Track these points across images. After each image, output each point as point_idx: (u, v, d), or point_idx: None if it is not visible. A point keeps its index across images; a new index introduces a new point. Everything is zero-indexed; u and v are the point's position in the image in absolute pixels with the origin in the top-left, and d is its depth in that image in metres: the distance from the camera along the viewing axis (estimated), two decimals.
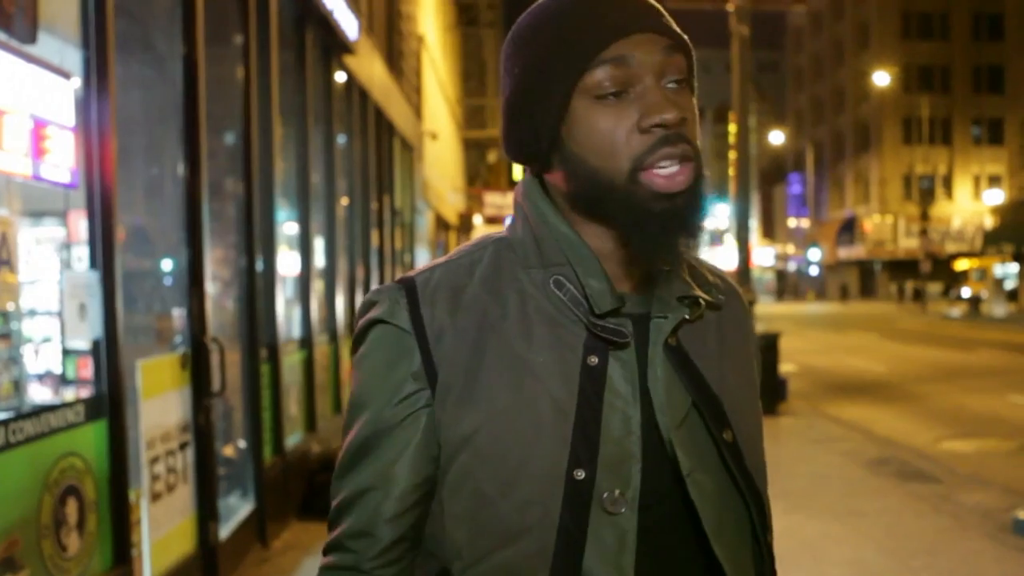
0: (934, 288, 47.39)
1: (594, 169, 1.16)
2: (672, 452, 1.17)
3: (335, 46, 9.02)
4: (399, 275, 1.26)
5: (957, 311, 39.90)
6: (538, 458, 1.14)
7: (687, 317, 1.23)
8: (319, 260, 8.63)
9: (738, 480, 1.22)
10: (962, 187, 61.38)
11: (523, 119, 1.21)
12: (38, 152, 3.36)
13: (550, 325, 1.19)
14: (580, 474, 1.14)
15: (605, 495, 1.14)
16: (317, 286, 8.35)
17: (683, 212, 1.15)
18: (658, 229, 1.15)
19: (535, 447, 1.15)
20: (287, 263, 7.35)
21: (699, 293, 1.25)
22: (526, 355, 1.17)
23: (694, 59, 1.23)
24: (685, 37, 1.21)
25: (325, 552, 1.25)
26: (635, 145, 1.14)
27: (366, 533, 1.20)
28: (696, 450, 1.19)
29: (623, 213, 1.16)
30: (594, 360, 1.17)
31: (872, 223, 61.45)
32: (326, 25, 8.37)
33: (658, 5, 1.20)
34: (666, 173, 1.14)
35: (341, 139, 9.77)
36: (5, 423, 3.13)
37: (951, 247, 58.04)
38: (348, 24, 8.83)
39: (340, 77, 9.70)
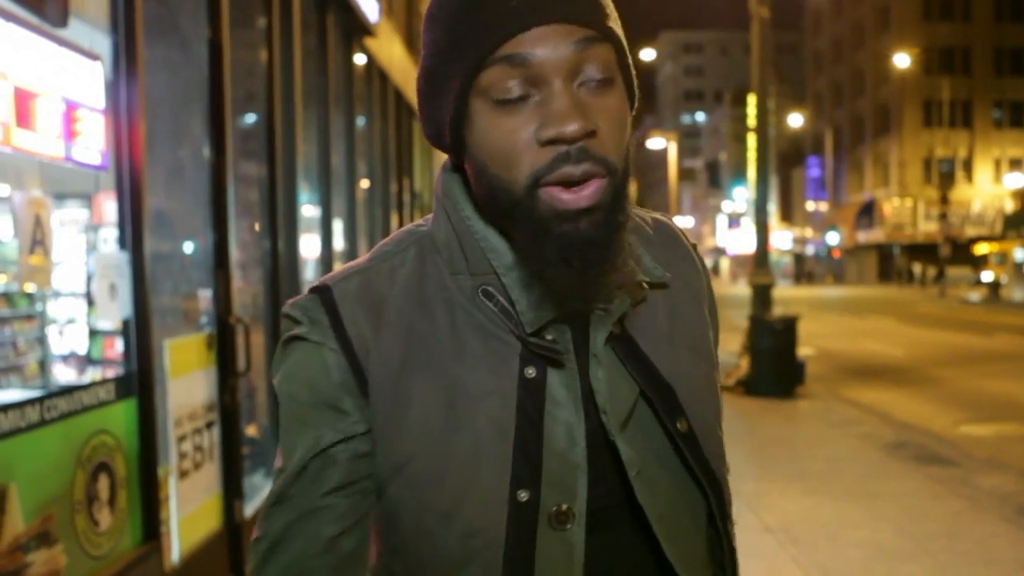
0: (930, 272, 48.58)
1: (494, 176, 1.02)
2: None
3: (356, 29, 9.05)
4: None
5: (976, 295, 39.68)
6: (478, 483, 1.05)
7: (630, 304, 1.12)
8: (339, 242, 8.69)
9: (695, 470, 1.13)
10: (982, 170, 60.94)
11: (426, 108, 1.10)
12: (70, 134, 3.42)
13: (483, 337, 1.08)
14: (524, 495, 1.05)
15: (552, 510, 1.06)
16: (338, 268, 8.41)
17: (588, 237, 1.00)
18: (556, 255, 1.00)
19: (474, 472, 1.06)
20: (309, 245, 7.41)
21: (641, 277, 1.13)
22: (458, 372, 1.07)
23: (625, 48, 1.05)
24: (611, 25, 1.02)
25: None
26: (533, 159, 0.99)
27: (305, 570, 1.09)
28: (646, 446, 1.11)
29: (524, 229, 1.02)
30: (531, 372, 1.07)
31: (891, 207, 61.12)
32: (347, 8, 8.40)
33: None
34: (568, 190, 0.99)
35: (361, 121, 9.81)
36: (40, 400, 3.20)
37: (971, 231, 57.72)
38: (369, 6, 8.86)
39: (360, 60, 9.73)
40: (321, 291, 1.11)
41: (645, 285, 1.14)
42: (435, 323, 1.09)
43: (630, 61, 1.07)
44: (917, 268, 54.63)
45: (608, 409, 1.08)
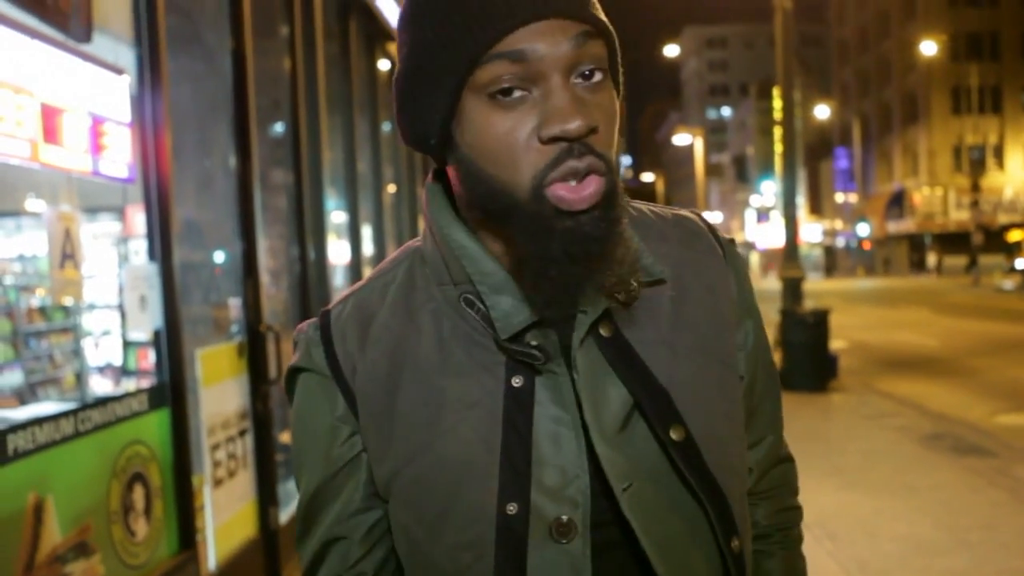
0: (953, 262, 48.44)
1: (490, 177, 0.99)
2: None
3: (378, 34, 9.08)
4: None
5: (1010, 283, 39.21)
6: (464, 497, 1.03)
7: (615, 304, 1.06)
8: (368, 247, 8.71)
9: (691, 483, 1.05)
10: (1014, 156, 60.15)
11: (410, 107, 1.05)
12: (96, 148, 3.45)
13: (468, 347, 1.06)
14: (512, 508, 1.02)
15: (553, 521, 1.02)
16: (367, 273, 8.43)
17: (589, 235, 0.97)
18: (560, 252, 0.97)
19: (460, 485, 1.04)
20: (337, 251, 7.43)
21: (625, 279, 1.05)
22: (444, 384, 1.06)
23: (616, 44, 1.03)
24: (604, 19, 0.99)
25: None
26: (535, 157, 0.96)
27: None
28: (639, 456, 1.04)
29: (524, 229, 0.98)
30: (518, 381, 1.04)
31: (921, 196, 60.48)
32: (369, 13, 8.42)
33: None
34: (571, 186, 0.96)
35: (386, 127, 9.84)
36: (74, 412, 3.23)
37: (1003, 218, 56.96)
38: (390, 11, 8.88)
39: (384, 65, 9.76)
40: (321, 317, 1.15)
41: (635, 284, 1.06)
42: (421, 333, 1.08)
43: (619, 56, 1.05)
44: (932, 258, 54.02)
45: (592, 418, 1.03)
